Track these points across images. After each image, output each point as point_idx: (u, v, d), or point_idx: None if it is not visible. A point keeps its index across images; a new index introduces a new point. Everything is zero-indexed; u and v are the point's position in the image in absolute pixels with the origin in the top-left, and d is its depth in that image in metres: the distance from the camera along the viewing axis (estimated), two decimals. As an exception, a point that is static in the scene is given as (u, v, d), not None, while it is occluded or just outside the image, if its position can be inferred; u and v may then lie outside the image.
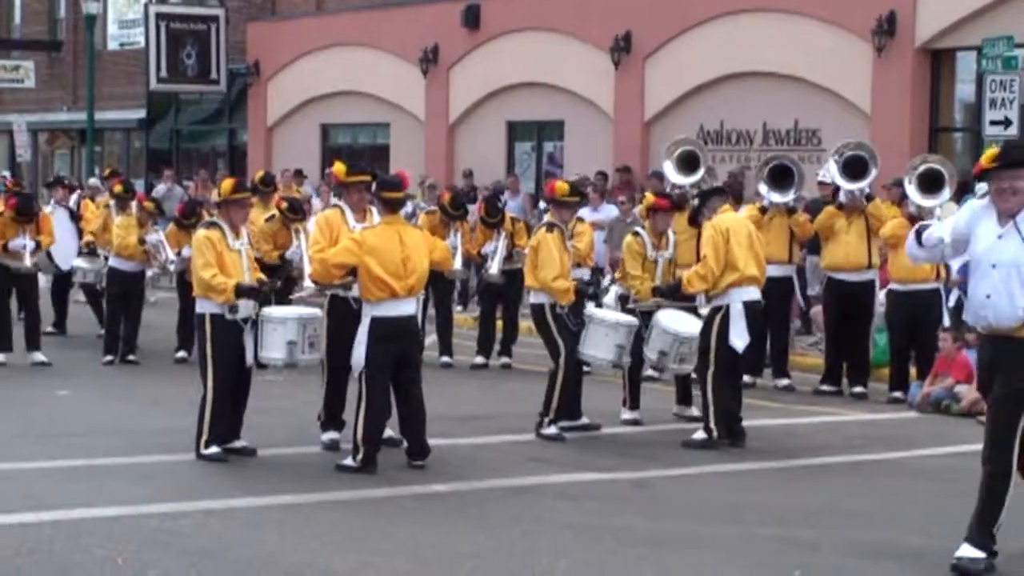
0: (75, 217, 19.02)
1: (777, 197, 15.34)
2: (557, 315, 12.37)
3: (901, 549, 8.63)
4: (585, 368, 12.97)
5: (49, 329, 18.56)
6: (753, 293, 12.25)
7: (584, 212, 17.75)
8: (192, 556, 8.25)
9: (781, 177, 15.41)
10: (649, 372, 13.86)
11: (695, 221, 12.97)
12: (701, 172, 15.64)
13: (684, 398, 13.53)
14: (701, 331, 12.30)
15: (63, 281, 19.39)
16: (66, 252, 18.07)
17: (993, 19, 20.36)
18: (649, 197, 13.65)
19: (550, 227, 12.55)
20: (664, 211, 13.23)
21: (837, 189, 15.49)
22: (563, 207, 12.70)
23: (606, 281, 13.82)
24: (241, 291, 11.09)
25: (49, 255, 17.69)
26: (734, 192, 16.81)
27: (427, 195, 22.76)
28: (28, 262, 16.49)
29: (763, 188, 15.39)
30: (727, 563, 8.35)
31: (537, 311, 12.53)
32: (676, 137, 17.46)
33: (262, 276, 11.72)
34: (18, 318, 17.05)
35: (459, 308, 21.17)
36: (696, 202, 13.01)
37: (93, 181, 27.65)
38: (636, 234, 13.26)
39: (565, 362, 12.28)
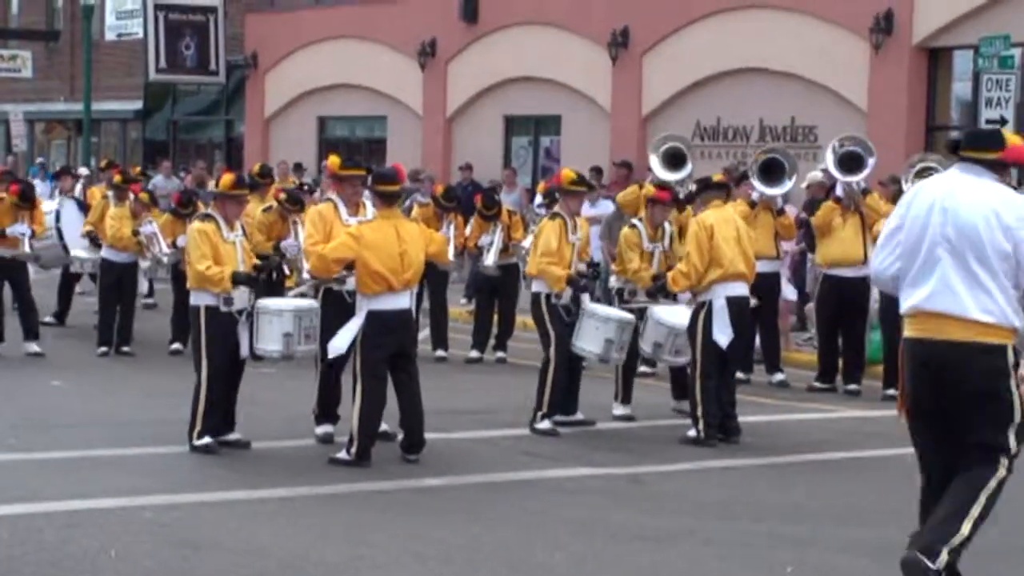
0: (83, 207, 18.83)
1: (768, 191, 15.30)
2: (552, 306, 12.37)
3: (895, 546, 8.60)
4: (583, 364, 12.96)
5: (48, 319, 18.45)
6: (738, 289, 12.21)
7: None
8: (186, 548, 8.25)
9: (771, 171, 15.36)
10: (642, 368, 13.83)
11: (682, 204, 13.03)
12: (688, 169, 15.49)
13: (681, 393, 13.49)
14: (688, 328, 12.30)
15: (72, 274, 19.06)
16: (79, 243, 17.93)
17: (990, 18, 20.41)
18: (650, 188, 13.67)
19: (553, 216, 12.59)
20: (663, 204, 13.26)
21: (833, 186, 15.48)
22: (569, 196, 12.67)
23: (613, 280, 13.79)
24: (237, 279, 11.11)
25: (65, 248, 17.67)
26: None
27: (423, 188, 22.70)
28: (27, 248, 16.42)
29: (756, 182, 15.37)
30: (721, 559, 8.35)
31: (534, 300, 12.55)
32: (664, 133, 17.46)
33: (258, 263, 11.75)
34: (12, 308, 16.98)
35: (463, 301, 21.00)
36: (693, 188, 13.08)
37: (83, 171, 27.55)
38: (633, 226, 13.30)
39: (555, 353, 12.27)
